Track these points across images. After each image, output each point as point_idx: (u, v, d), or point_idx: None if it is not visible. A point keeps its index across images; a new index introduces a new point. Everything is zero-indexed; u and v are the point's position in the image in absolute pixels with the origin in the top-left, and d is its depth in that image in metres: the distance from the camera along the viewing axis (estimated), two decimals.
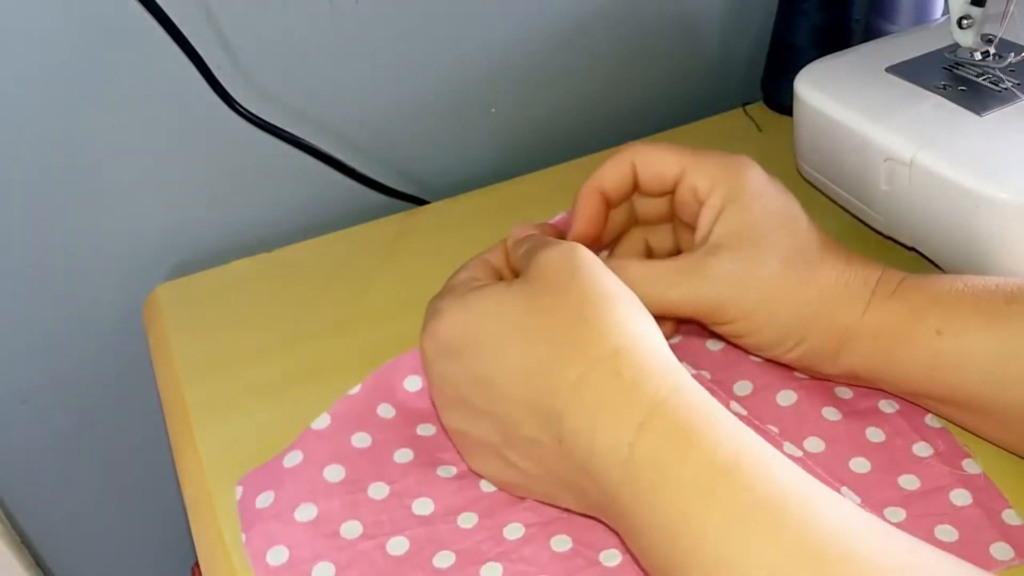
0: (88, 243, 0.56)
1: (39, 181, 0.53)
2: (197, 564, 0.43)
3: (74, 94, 0.51)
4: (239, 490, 0.42)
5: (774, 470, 0.30)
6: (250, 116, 0.53)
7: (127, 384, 0.62)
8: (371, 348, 0.45)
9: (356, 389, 0.44)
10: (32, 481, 0.64)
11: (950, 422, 0.42)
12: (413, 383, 0.45)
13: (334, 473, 0.41)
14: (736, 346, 0.45)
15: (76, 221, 0.55)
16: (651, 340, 0.34)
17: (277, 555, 0.39)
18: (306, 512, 0.40)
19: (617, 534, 0.37)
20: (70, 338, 0.59)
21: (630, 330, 0.34)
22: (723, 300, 0.40)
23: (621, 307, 0.35)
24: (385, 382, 0.45)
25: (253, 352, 0.50)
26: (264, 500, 0.41)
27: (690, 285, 0.41)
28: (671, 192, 0.44)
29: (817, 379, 0.44)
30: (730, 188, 0.41)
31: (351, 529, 0.39)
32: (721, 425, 0.32)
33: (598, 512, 0.36)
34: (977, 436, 0.41)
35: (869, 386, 0.43)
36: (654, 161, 0.43)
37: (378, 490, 0.41)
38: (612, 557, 0.38)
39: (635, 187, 0.44)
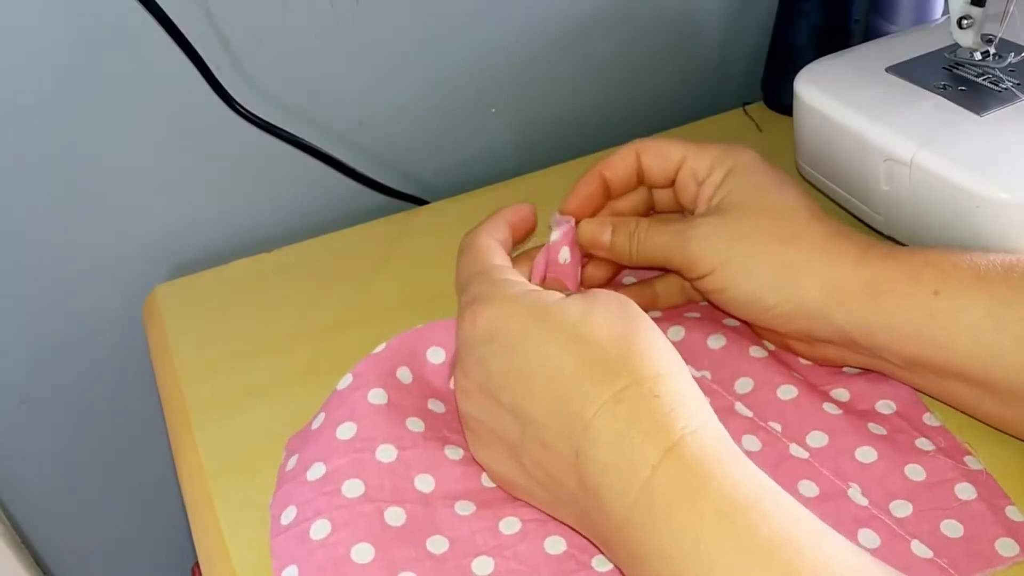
0: (88, 243, 0.56)
1: (39, 181, 0.53)
2: (197, 564, 0.43)
3: (74, 94, 0.51)
4: (284, 455, 0.43)
5: (790, 511, 0.31)
6: (250, 116, 0.53)
7: (127, 384, 0.62)
8: (371, 348, 0.45)
9: (381, 347, 0.43)
10: (32, 481, 0.64)
11: (948, 404, 0.42)
12: (436, 354, 0.44)
13: (346, 430, 0.41)
14: (739, 324, 0.45)
15: (76, 221, 0.55)
16: (688, 375, 0.35)
17: (288, 514, 0.39)
18: (316, 471, 0.40)
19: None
20: (70, 338, 0.59)
21: (672, 361, 0.35)
22: (700, 252, 0.43)
23: (664, 341, 0.36)
24: (411, 345, 0.44)
25: (253, 352, 0.50)
26: (291, 463, 0.41)
27: (671, 236, 0.44)
28: (674, 181, 0.46)
29: (816, 366, 0.44)
30: (727, 166, 0.44)
31: (353, 487, 0.39)
32: (743, 464, 0.32)
33: (593, 533, 0.36)
34: (975, 417, 0.41)
35: (865, 365, 0.43)
36: (658, 150, 0.46)
37: (386, 452, 0.40)
38: (604, 562, 0.38)
39: (639, 179, 0.47)
